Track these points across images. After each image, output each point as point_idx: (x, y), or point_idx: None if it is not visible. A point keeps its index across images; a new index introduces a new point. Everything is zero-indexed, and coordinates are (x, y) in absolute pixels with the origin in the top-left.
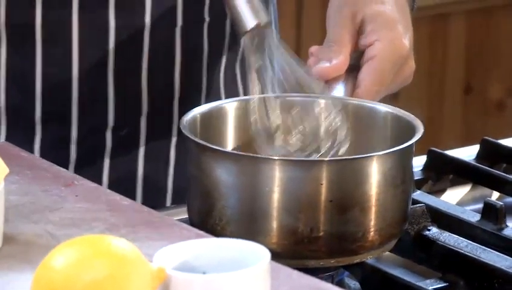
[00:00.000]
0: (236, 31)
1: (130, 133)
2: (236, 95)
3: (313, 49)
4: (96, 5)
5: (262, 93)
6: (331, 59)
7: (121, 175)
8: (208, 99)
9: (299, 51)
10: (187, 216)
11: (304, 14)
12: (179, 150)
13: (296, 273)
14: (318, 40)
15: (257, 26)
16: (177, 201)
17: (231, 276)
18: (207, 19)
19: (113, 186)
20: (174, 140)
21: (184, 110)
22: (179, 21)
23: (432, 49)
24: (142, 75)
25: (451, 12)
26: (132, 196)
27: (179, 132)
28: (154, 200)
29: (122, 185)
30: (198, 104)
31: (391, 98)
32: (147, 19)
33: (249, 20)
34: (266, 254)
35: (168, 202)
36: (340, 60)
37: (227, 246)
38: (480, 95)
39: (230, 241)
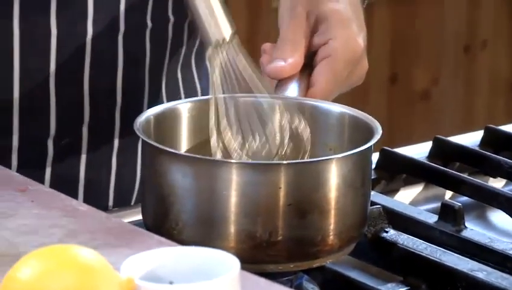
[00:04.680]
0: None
1: (72, 142)
2: (179, 99)
3: (266, 46)
4: (37, 13)
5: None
6: (286, 58)
7: (62, 183)
8: (151, 105)
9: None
10: (134, 219)
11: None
12: (121, 157)
13: (263, 281)
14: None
15: (223, 40)
16: (118, 206)
17: (200, 286)
18: (149, 24)
19: None
20: (116, 147)
21: (125, 117)
22: (121, 27)
23: None
24: (84, 83)
25: (374, 1)
26: None
27: (121, 138)
28: (96, 207)
29: (64, 193)
30: (140, 110)
31: None
32: (89, 26)
33: (215, 32)
34: (235, 263)
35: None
36: (295, 59)
37: (195, 254)
38: (406, 85)
39: (198, 250)
